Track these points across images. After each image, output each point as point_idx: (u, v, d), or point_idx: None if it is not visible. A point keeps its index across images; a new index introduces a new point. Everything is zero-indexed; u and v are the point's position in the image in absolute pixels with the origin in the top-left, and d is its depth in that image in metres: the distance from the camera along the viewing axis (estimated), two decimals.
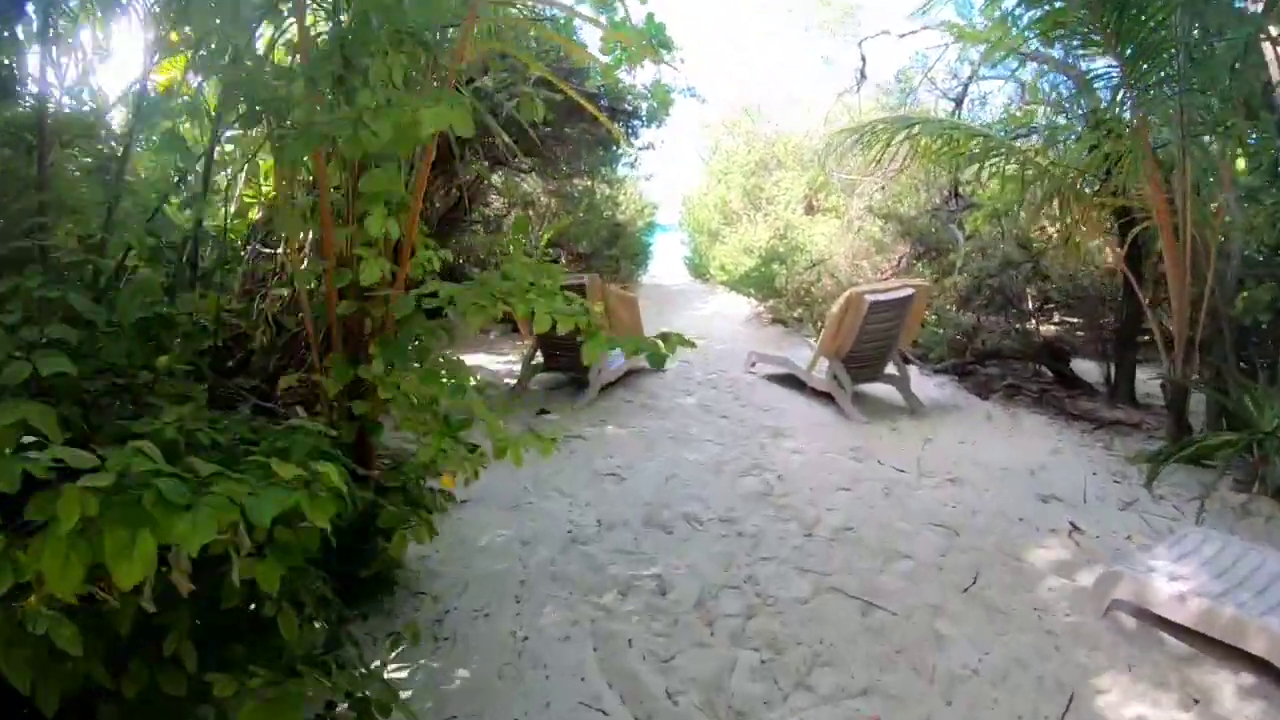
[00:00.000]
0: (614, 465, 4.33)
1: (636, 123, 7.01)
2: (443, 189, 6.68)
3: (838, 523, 3.56)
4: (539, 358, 6.18)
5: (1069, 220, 4.88)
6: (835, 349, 5.37)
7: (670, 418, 5.43)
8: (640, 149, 7.91)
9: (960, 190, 7.98)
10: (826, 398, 5.74)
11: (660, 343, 2.52)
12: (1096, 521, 3.64)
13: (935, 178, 8.11)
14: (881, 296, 5.19)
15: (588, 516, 3.63)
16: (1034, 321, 6.46)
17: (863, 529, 3.51)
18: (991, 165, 5.46)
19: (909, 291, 5.39)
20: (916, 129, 4.85)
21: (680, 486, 4.00)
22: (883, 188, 8.53)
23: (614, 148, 7.31)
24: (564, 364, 6.12)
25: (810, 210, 11.42)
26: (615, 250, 10.89)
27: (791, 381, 6.38)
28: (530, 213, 10.05)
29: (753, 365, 7.08)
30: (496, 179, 10.00)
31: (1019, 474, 4.31)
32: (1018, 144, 5.58)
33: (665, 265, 20.51)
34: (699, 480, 4.10)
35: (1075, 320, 6.89)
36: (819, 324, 8.23)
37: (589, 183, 9.08)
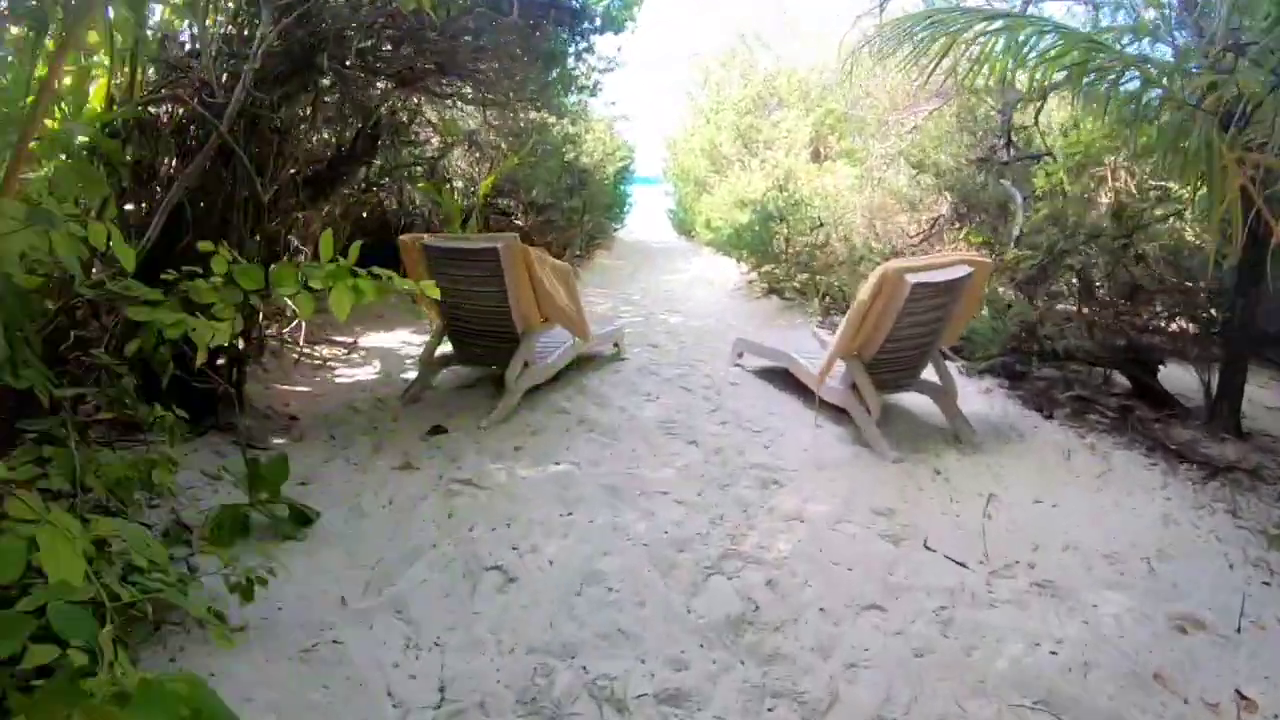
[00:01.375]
0: (505, 550, 2.78)
1: (588, 27, 5.29)
2: (307, 120, 4.97)
3: (866, 706, 2.03)
4: (445, 345, 4.62)
5: (1219, 177, 3.27)
6: (858, 347, 3.81)
7: (616, 445, 3.88)
8: (601, 69, 6.20)
9: (1014, 135, 6.34)
10: (840, 413, 4.19)
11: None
12: (1265, 678, 2.17)
13: (984, 115, 6.48)
14: (929, 277, 3.62)
15: (422, 686, 2.07)
16: (1118, 315, 4.90)
17: None
18: (1084, 88, 3.81)
19: (965, 270, 3.82)
20: (999, 24, 3.19)
21: (601, 606, 2.45)
22: (914, 128, 6.88)
23: (565, 63, 5.60)
24: (481, 354, 4.56)
25: (816, 158, 9.76)
26: (577, 201, 9.19)
27: (790, 382, 4.85)
28: (476, 155, 8.33)
29: (739, 357, 5.54)
30: (432, 114, 8.30)
31: (1133, 570, 2.82)
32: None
33: (648, 221, 18.91)
34: (635, 590, 2.55)
35: (1162, 313, 5.32)
36: (825, 299, 6.71)
37: (539, 115, 7.35)
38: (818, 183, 7.93)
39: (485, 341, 4.48)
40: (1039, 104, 6.15)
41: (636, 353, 5.99)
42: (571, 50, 5.54)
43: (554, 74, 5.41)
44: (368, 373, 5.31)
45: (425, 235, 4.36)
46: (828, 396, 4.13)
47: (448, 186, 8.10)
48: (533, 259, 4.06)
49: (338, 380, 5.08)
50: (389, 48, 5.15)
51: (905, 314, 3.65)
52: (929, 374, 4.29)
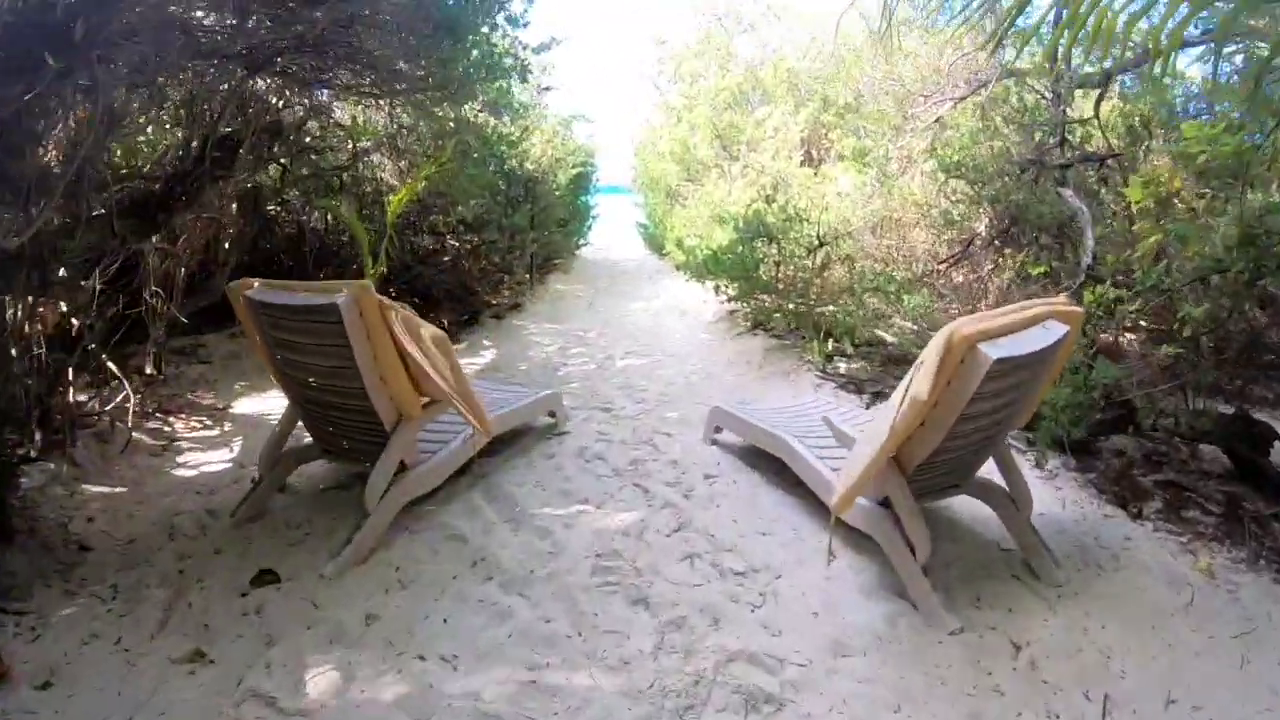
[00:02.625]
0: None
1: None
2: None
3: None
4: (295, 432, 3.39)
5: None
6: (908, 458, 2.60)
7: (521, 615, 2.66)
8: (533, 47, 5.01)
9: (1068, 133, 5.24)
10: (863, 537, 3.01)
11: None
12: None
13: (1032, 104, 5.40)
14: (1014, 345, 2.44)
15: None
16: (1231, 375, 3.80)
17: None
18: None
19: (1060, 330, 2.65)
20: None
21: None
22: (936, 119, 5.76)
23: (477, 36, 4.41)
24: (348, 448, 3.34)
25: (810, 161, 8.64)
26: (521, 216, 7.98)
27: (784, 472, 3.65)
28: (406, 163, 7.11)
29: (717, 432, 4.33)
30: (340, 112, 7.09)
31: None
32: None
33: (617, 235, 17.74)
34: None
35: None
36: (827, 338, 5.54)
37: (468, 111, 6.16)
38: (814, 191, 6.78)
39: (347, 433, 3.24)
40: (1099, 90, 5.07)
41: (581, 420, 4.79)
42: (484, 22, 4.34)
43: (462, 50, 4.20)
44: (221, 459, 4.12)
45: (256, 282, 3.12)
46: (849, 518, 2.91)
47: (362, 203, 6.87)
48: (393, 319, 2.82)
49: (175, 473, 3.92)
50: (232, 20, 3.93)
51: (977, 398, 2.45)
52: (988, 469, 3.11)
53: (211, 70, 4.15)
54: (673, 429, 4.67)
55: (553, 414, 4.57)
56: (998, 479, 3.09)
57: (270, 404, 5.01)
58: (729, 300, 6.90)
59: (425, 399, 3.16)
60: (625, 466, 4.01)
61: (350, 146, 7.10)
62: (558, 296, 9.81)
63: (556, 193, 9.25)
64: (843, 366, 5.91)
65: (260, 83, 4.81)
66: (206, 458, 4.16)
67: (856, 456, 2.60)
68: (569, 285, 10.74)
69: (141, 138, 4.84)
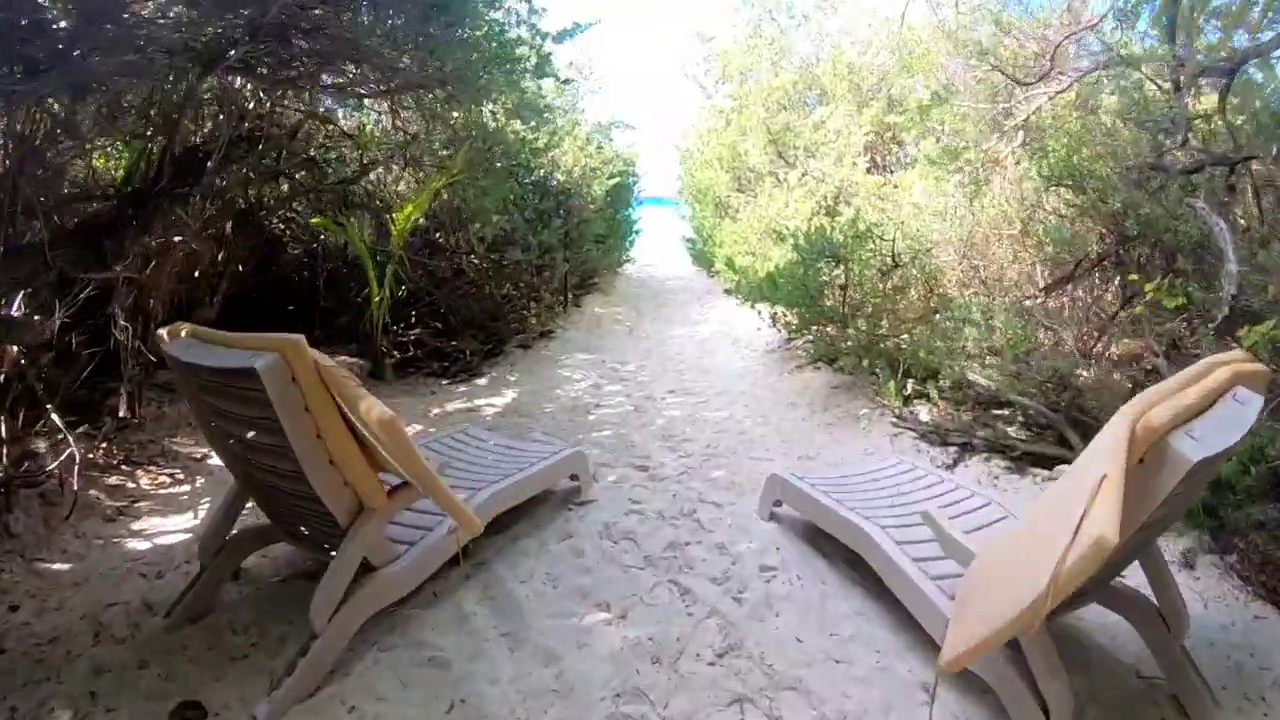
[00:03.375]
0: None
1: None
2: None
3: None
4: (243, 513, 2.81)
5: None
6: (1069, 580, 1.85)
7: None
8: (553, 35, 4.42)
9: (1191, 131, 4.43)
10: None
11: None
12: None
13: (1151, 97, 4.63)
14: (1213, 438, 1.68)
15: None
16: None
17: None
18: None
19: (1254, 403, 1.90)
20: None
21: None
22: (1028, 117, 5.00)
23: (478, 20, 3.82)
24: (306, 531, 2.75)
25: (875, 169, 7.90)
26: (550, 232, 7.40)
27: (860, 561, 2.94)
28: (421, 176, 6.60)
29: (776, 505, 3.64)
30: (345, 120, 6.66)
31: None
32: None
33: (661, 251, 17.14)
34: None
35: None
36: (905, 376, 4.82)
37: (482, 112, 5.60)
38: (886, 202, 6.04)
39: (302, 519, 2.64)
40: (1226, 80, 4.27)
41: (611, 482, 4.16)
42: (489, 1, 3.75)
43: (459, 37, 3.62)
44: (181, 526, 3.57)
45: (184, 329, 2.55)
46: (953, 658, 2.18)
47: (378, 220, 6.36)
48: (340, 385, 2.20)
49: (127, 545, 3.38)
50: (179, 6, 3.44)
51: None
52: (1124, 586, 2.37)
53: (163, 68, 3.63)
54: (721, 496, 3.99)
55: (575, 477, 3.92)
56: (1136, 580, 2.35)
57: None
58: (787, 331, 6.17)
59: (390, 484, 2.54)
60: (660, 553, 3.34)
61: (359, 157, 6.62)
62: (595, 321, 9.21)
63: (592, 206, 8.66)
64: (923, 412, 5.16)
65: (217, 81, 4.31)
66: (165, 524, 3.63)
67: (985, 601, 1.88)
68: (608, 308, 10.14)
69: (99, 154, 4.37)
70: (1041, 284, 5.18)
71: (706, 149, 10.11)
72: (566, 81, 5.32)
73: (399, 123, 5.99)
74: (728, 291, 7.10)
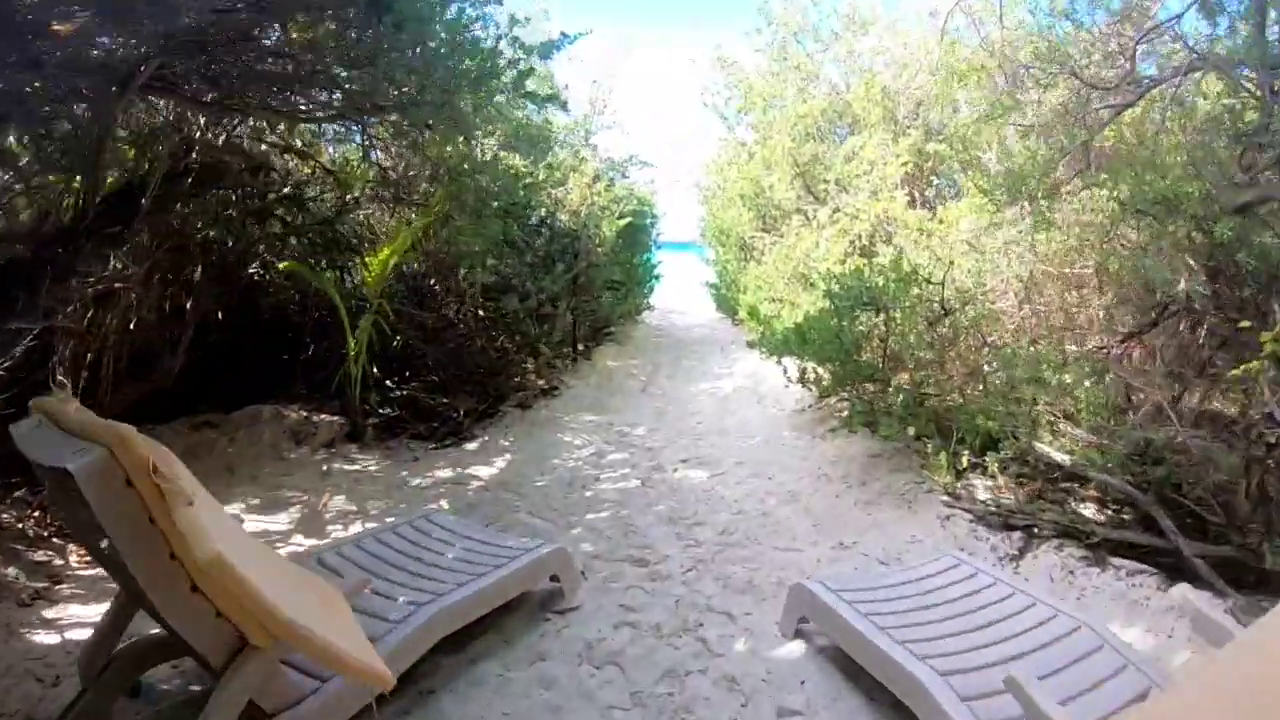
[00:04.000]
0: None
1: None
2: None
3: None
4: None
5: None
6: None
7: None
8: (534, 47, 3.94)
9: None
10: None
11: None
12: None
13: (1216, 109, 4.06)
14: None
15: None
16: None
17: None
18: None
19: None
20: None
21: None
22: (1096, 135, 4.40)
23: (439, 23, 3.33)
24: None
25: (914, 204, 7.31)
26: (554, 279, 6.88)
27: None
28: (405, 215, 6.14)
29: (802, 621, 2.98)
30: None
31: None
32: None
33: (683, 298, 16.64)
34: None
35: None
36: (960, 442, 4.19)
37: (467, 141, 5.14)
38: (931, 240, 5.44)
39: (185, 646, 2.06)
40: None
41: (601, 581, 3.59)
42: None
43: (409, 39, 3.12)
44: (97, 616, 2.96)
45: (41, 403, 2.03)
46: None
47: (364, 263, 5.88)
48: (170, 499, 1.63)
49: (34, 638, 2.94)
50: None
51: None
52: None
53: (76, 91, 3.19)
54: (735, 603, 3.36)
55: (556, 578, 3.31)
56: None
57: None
58: (818, 390, 5.55)
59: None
60: (653, 686, 2.70)
61: (340, 195, 6.19)
62: (605, 376, 8.63)
63: (601, 249, 8.14)
64: (979, 487, 4.50)
65: (145, 105, 3.86)
66: (83, 614, 3.13)
67: None
68: (622, 360, 9.58)
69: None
70: (1118, 332, 4.53)
71: (728, 185, 9.60)
72: (550, 99, 4.83)
73: (380, 156, 5.55)
74: (751, 344, 6.49)
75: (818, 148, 7.59)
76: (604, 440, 6.16)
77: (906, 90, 7.99)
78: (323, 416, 6.07)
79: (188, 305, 5.36)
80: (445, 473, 5.38)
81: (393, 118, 4.42)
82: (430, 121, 4.31)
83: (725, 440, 6.15)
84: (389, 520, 4.01)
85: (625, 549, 3.99)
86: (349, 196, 6.17)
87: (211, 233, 5.44)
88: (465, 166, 5.09)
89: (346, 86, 3.51)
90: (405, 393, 6.70)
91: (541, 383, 7.58)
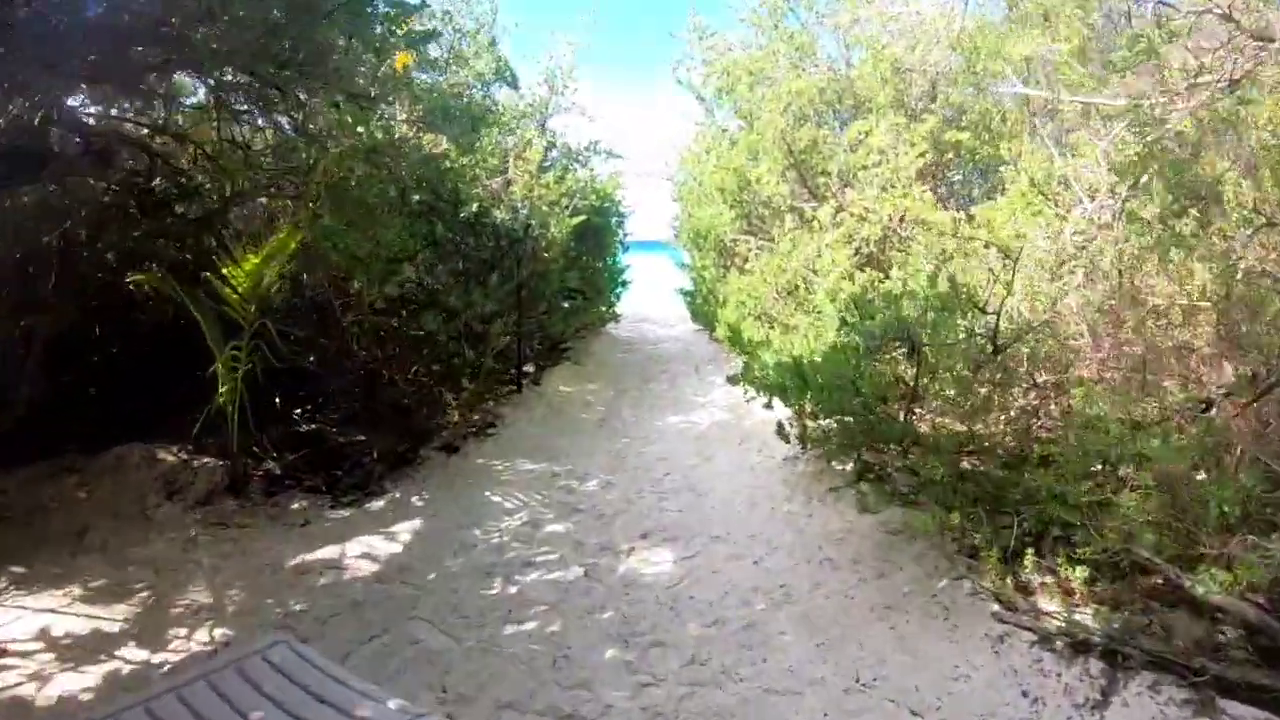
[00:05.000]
0: None
1: None
2: None
3: None
4: None
5: None
6: None
7: None
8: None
9: None
10: None
11: None
12: None
13: None
14: None
15: None
16: None
17: None
18: None
19: None
20: None
21: None
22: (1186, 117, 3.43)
23: None
24: None
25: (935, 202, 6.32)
26: (481, 294, 5.80)
27: None
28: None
29: None
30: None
31: None
32: None
33: (654, 305, 15.63)
34: None
35: None
36: (1021, 529, 3.21)
37: (339, 113, 4.10)
38: (966, 247, 4.43)
39: None
40: None
41: None
42: None
43: None
44: None
45: None
46: None
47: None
48: None
49: None
50: None
51: None
52: None
53: None
54: None
55: None
56: None
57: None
58: (825, 450, 4.51)
59: None
60: None
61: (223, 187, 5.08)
62: (558, 406, 7.54)
63: (548, 254, 7.04)
64: (1042, 591, 3.50)
65: None
66: None
67: None
68: (578, 384, 8.48)
69: None
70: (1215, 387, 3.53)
71: (706, 177, 8.57)
72: (429, 35, 3.82)
73: (246, 132, 4.45)
74: (732, 380, 5.44)
75: (816, 132, 6.57)
76: (543, 501, 5.08)
77: (920, 67, 7.01)
78: (205, 460, 5.13)
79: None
80: (334, 548, 4.34)
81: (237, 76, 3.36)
82: (286, 76, 3.24)
83: (699, 502, 5.09)
84: (220, 656, 2.93)
85: (551, 693, 2.94)
86: (230, 189, 5.07)
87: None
88: (351, 144, 3.99)
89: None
90: (308, 430, 5.64)
91: (475, 418, 6.50)
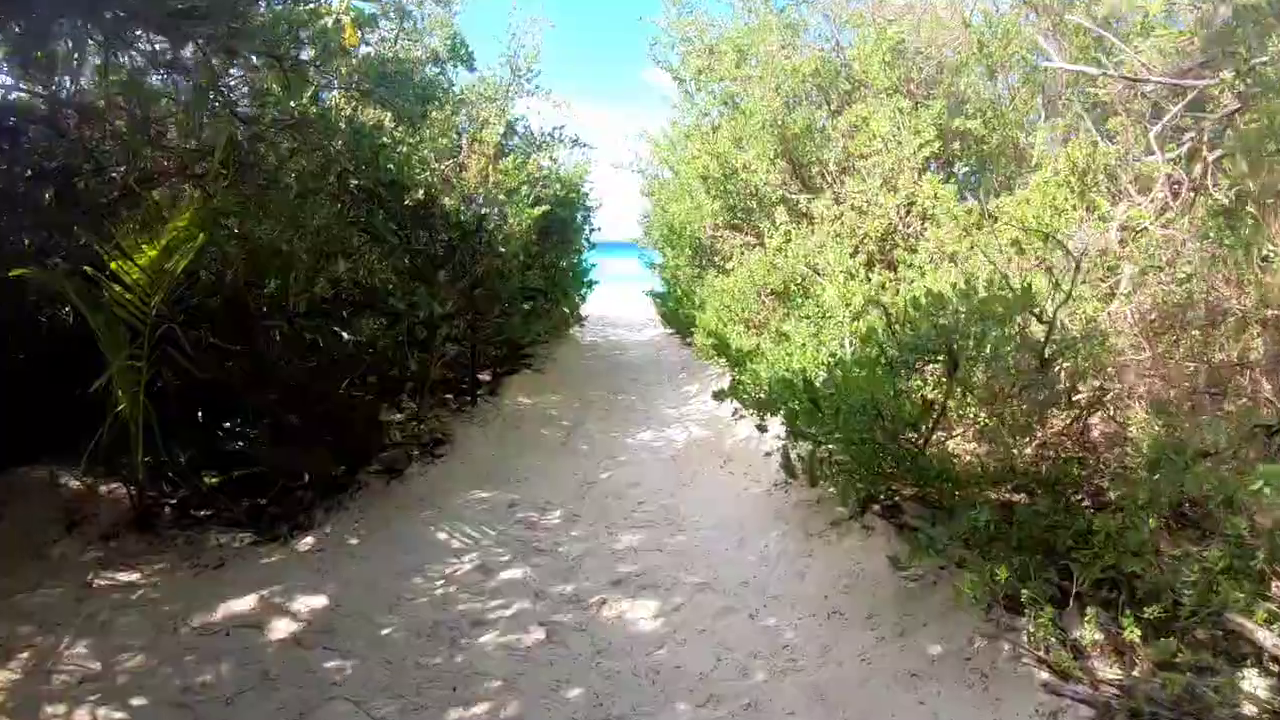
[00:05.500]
0: None
1: None
2: None
3: None
4: None
5: None
6: None
7: None
8: None
9: None
10: None
11: None
12: None
13: None
14: None
15: None
16: None
17: None
18: None
19: None
20: None
21: None
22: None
23: None
24: None
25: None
26: (424, 296, 5.21)
27: None
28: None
29: None
30: None
31: None
32: None
33: (623, 308, 15.18)
34: None
35: None
36: (1090, 584, 2.68)
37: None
38: (985, 242, 3.92)
39: None
40: None
41: None
42: None
43: None
44: None
45: None
46: None
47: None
48: None
49: None
50: None
51: None
52: None
53: None
54: None
55: None
56: None
57: None
58: (839, 494, 3.96)
59: None
60: None
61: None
62: (517, 420, 6.94)
63: (507, 248, 6.43)
64: (1096, 653, 3.01)
65: None
66: None
67: None
68: (540, 395, 7.88)
69: None
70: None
71: (683, 166, 8.00)
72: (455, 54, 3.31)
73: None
74: (719, 396, 4.86)
75: (813, 114, 6.05)
76: (498, 538, 4.50)
77: (926, 49, 6.54)
78: (114, 486, 4.54)
79: None
80: (250, 599, 3.74)
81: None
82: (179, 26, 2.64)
83: (680, 540, 4.53)
84: None
85: None
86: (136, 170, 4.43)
87: None
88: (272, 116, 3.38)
89: None
90: (232, 450, 5.00)
91: (423, 435, 5.89)
